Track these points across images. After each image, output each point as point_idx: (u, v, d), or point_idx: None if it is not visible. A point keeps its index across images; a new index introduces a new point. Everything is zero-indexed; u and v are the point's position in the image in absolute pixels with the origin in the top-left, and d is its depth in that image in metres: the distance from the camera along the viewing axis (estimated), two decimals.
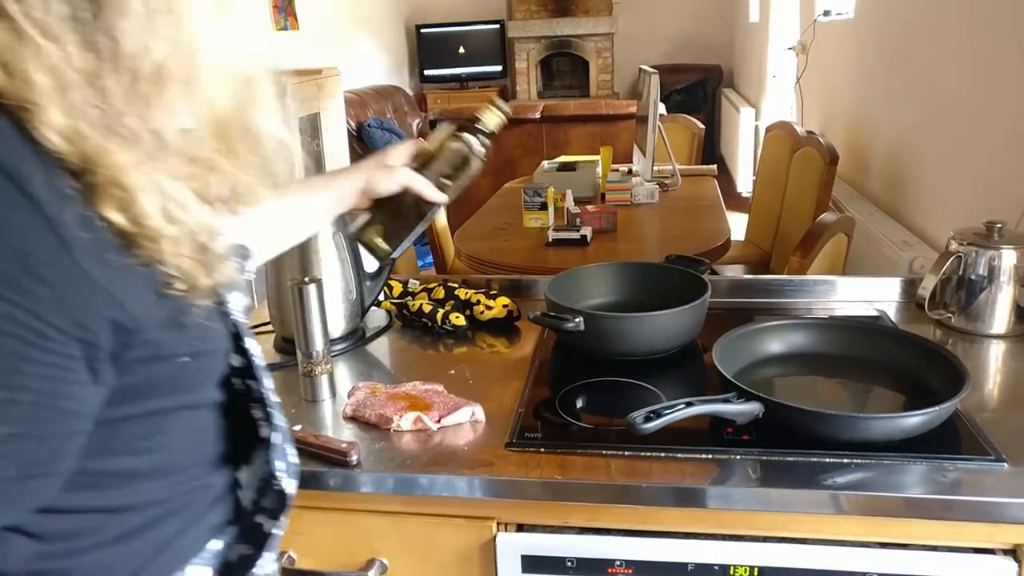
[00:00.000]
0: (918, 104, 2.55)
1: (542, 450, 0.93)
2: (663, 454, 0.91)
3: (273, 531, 0.66)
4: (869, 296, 1.37)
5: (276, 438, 0.66)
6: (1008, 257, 1.18)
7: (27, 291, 0.42)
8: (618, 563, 0.90)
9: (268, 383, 0.66)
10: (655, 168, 2.80)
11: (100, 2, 0.46)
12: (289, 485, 0.66)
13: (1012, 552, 0.84)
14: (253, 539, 0.65)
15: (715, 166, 3.18)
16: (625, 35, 7.35)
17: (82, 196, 0.45)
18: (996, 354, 1.17)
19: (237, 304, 0.62)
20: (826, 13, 3.75)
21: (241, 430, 0.66)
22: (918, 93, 2.54)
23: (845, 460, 0.87)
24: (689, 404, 0.89)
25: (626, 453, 0.91)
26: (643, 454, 0.91)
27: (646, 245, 2.35)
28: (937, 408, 0.88)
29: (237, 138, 0.55)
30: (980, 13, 2.08)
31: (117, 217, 0.46)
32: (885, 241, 2.45)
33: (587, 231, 2.25)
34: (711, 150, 6.13)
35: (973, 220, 1.26)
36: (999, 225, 1.20)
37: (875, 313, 1.31)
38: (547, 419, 1.01)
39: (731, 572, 0.88)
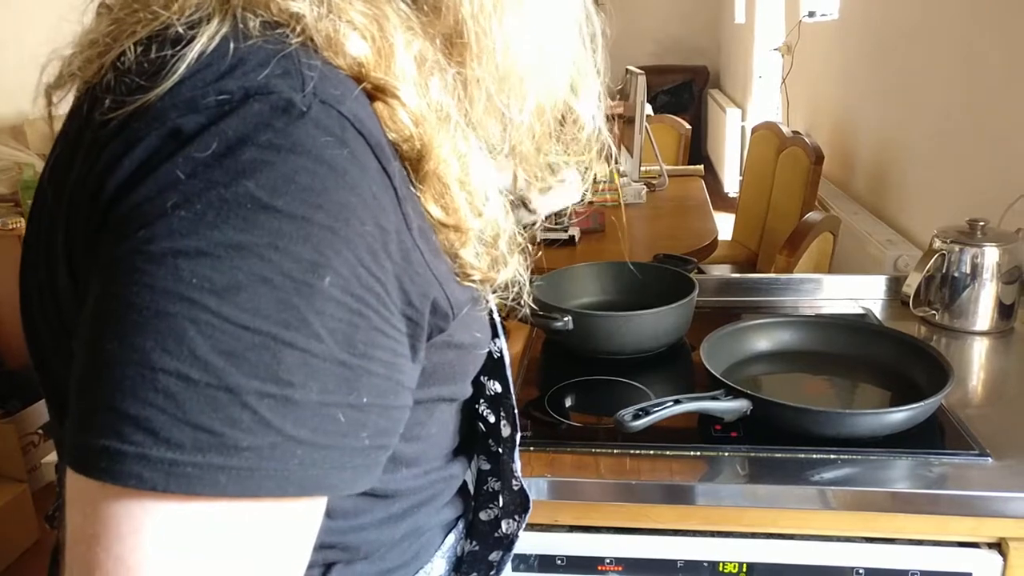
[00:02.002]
0: (902, 104, 2.57)
1: (531, 449, 0.93)
2: (652, 452, 0.91)
3: (519, 533, 0.66)
4: (854, 294, 1.39)
5: (516, 436, 0.66)
6: (991, 255, 1.20)
7: (382, 266, 0.41)
8: (608, 561, 0.90)
9: (510, 379, 0.66)
10: (642, 168, 2.81)
11: None
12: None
13: (997, 545, 0.85)
14: (478, 536, 0.66)
15: (702, 166, 3.20)
16: (611, 36, 7.36)
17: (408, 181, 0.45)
18: (980, 350, 1.19)
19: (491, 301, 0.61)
20: (811, 14, 3.78)
21: (471, 427, 0.66)
22: (902, 93, 2.57)
23: (832, 456, 0.88)
24: (677, 402, 0.89)
25: (615, 451, 0.92)
26: (632, 452, 0.91)
27: (634, 245, 2.36)
28: (922, 404, 0.89)
29: (558, 129, 0.54)
30: (964, 14, 2.11)
31: (432, 207, 0.46)
32: (870, 240, 2.47)
33: (575, 231, 2.25)
34: (697, 151, 6.15)
35: (956, 219, 1.27)
36: (982, 223, 1.22)
37: (860, 311, 1.32)
38: (536, 418, 1.01)
39: (720, 568, 0.88)
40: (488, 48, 0.47)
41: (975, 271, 1.20)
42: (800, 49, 3.96)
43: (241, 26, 0.40)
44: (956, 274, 1.22)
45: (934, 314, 1.25)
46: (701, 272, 1.89)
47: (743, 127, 5.37)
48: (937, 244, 1.24)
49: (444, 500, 0.62)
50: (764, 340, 1.12)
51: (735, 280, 1.45)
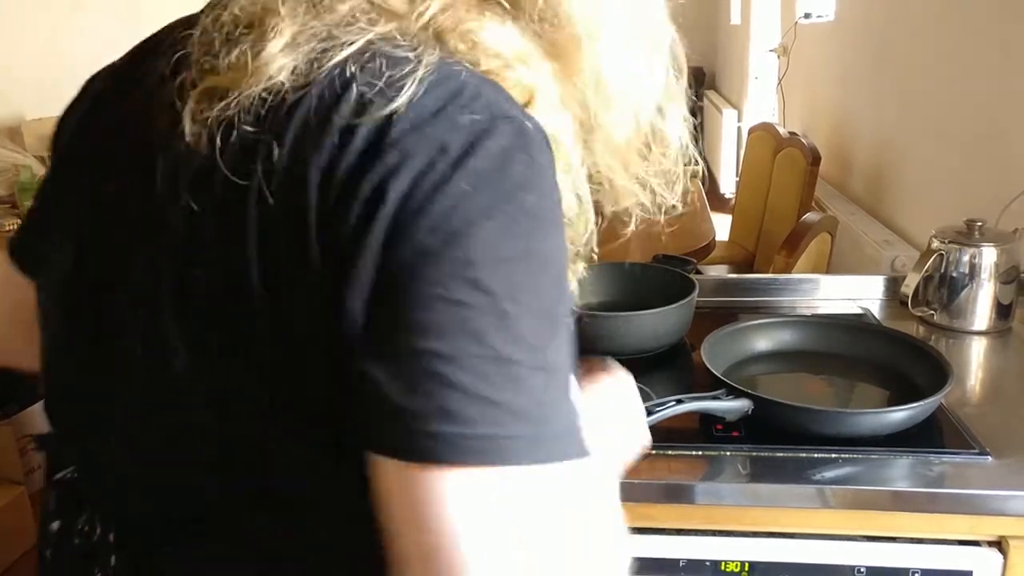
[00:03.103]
0: (898, 105, 2.58)
1: None
2: (654, 451, 0.91)
3: None
4: (853, 294, 1.39)
5: None
6: (989, 255, 1.20)
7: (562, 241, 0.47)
8: None
9: None
10: None
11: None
12: None
13: (997, 543, 0.85)
14: None
15: (700, 167, 3.20)
16: None
17: None
18: (978, 350, 1.19)
19: None
20: (807, 15, 3.79)
21: None
22: (898, 94, 2.58)
23: (833, 455, 0.89)
24: (679, 401, 0.90)
25: None
26: None
27: (631, 245, 2.36)
28: (922, 403, 0.89)
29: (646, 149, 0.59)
30: (959, 14, 2.12)
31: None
32: (867, 240, 2.48)
33: None
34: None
35: (952, 219, 1.28)
36: (979, 223, 1.23)
37: (859, 311, 1.33)
38: None
39: (722, 567, 0.89)
40: (594, 70, 0.52)
41: (973, 271, 1.21)
42: (796, 50, 3.97)
43: (449, 57, 0.46)
44: (954, 274, 1.22)
45: (932, 314, 1.26)
46: (699, 273, 1.89)
47: (739, 128, 5.38)
48: (935, 244, 1.24)
49: None
50: (764, 340, 1.12)
51: (733, 280, 1.46)
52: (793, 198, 2.57)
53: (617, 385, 0.68)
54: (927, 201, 2.34)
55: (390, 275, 0.40)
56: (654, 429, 0.87)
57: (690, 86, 0.63)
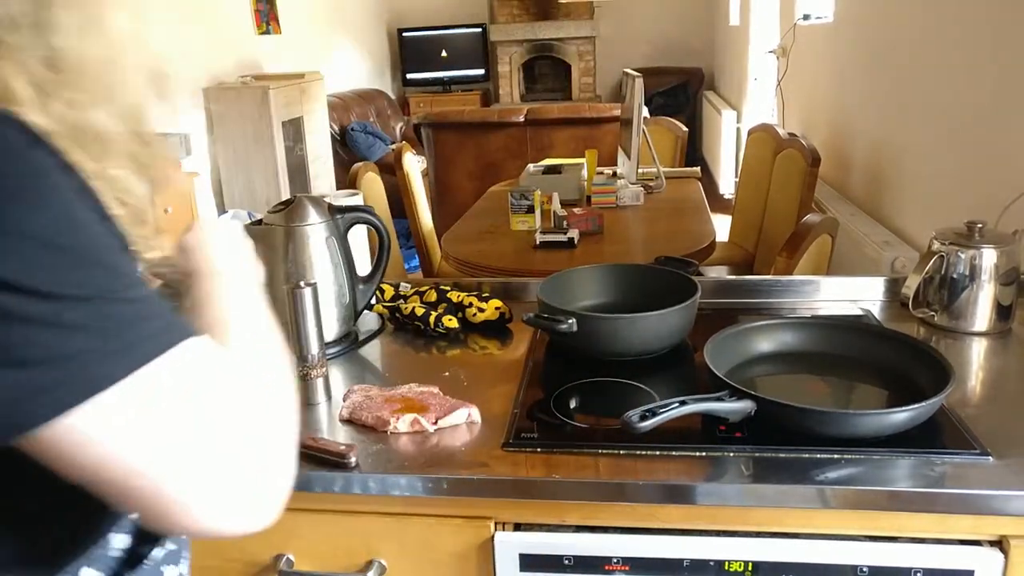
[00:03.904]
0: (898, 106, 2.59)
1: (538, 450, 0.94)
2: (658, 452, 0.92)
3: None
4: (853, 295, 1.40)
5: None
6: (989, 256, 1.21)
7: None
8: (615, 560, 0.91)
9: None
10: (639, 171, 2.82)
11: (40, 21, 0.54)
12: None
13: (998, 543, 0.86)
14: None
15: (699, 168, 3.21)
16: (606, 39, 7.39)
17: None
18: (978, 351, 1.20)
19: None
20: (806, 17, 3.80)
21: None
22: (897, 95, 2.59)
23: (835, 456, 0.89)
24: (683, 403, 0.90)
25: (621, 452, 0.93)
26: (638, 453, 0.92)
27: (632, 247, 2.37)
28: (924, 404, 0.90)
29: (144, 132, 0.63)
30: (958, 16, 2.12)
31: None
32: (867, 241, 2.49)
33: (574, 233, 2.26)
34: (692, 153, 6.17)
35: (952, 220, 1.29)
36: (980, 225, 1.23)
37: (860, 312, 1.34)
38: (542, 420, 1.02)
39: (726, 567, 0.89)
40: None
41: (973, 273, 1.22)
42: (795, 52, 3.98)
43: None
44: (955, 275, 1.23)
45: (933, 315, 1.27)
46: (699, 275, 1.90)
47: (738, 129, 5.39)
48: (936, 246, 1.25)
49: None
50: (767, 341, 1.13)
51: (735, 282, 1.46)
52: (793, 199, 2.58)
53: (200, 233, 0.74)
54: (926, 202, 2.35)
55: None
56: (658, 430, 0.88)
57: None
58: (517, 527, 0.94)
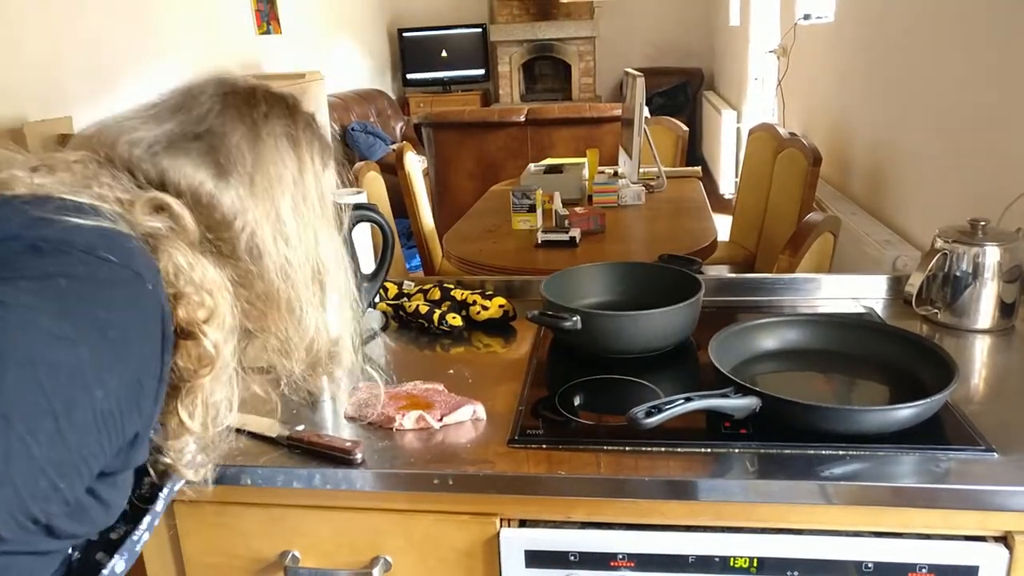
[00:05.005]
0: (898, 105, 2.59)
1: (544, 447, 0.95)
2: (663, 449, 0.93)
3: None
4: (856, 293, 1.40)
5: None
6: (992, 254, 1.21)
7: None
8: (620, 556, 0.91)
9: None
10: (640, 170, 2.82)
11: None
12: None
13: (1003, 539, 0.86)
14: None
15: (700, 168, 3.22)
16: (606, 39, 7.39)
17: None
18: (982, 348, 1.20)
19: None
20: (806, 17, 3.81)
21: None
22: (898, 94, 2.59)
23: (840, 452, 0.90)
24: (688, 399, 0.91)
25: (627, 448, 0.93)
26: (643, 449, 0.93)
27: (634, 246, 2.37)
28: (929, 400, 0.90)
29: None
30: (959, 15, 2.13)
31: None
32: (868, 240, 2.49)
33: (576, 232, 2.27)
34: (692, 153, 6.18)
35: (954, 219, 1.29)
36: (983, 223, 1.23)
37: (863, 310, 1.34)
38: (547, 416, 1.02)
39: (731, 563, 0.90)
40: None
41: (976, 270, 1.22)
42: (796, 51, 3.98)
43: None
44: (958, 273, 1.23)
45: (936, 313, 1.27)
46: (702, 273, 1.90)
47: (739, 129, 5.39)
48: (939, 244, 1.25)
49: None
50: (771, 339, 1.13)
51: (738, 280, 1.46)
52: (794, 199, 2.58)
53: None
54: (928, 201, 2.35)
55: None
56: (662, 427, 0.89)
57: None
58: (522, 523, 0.94)
